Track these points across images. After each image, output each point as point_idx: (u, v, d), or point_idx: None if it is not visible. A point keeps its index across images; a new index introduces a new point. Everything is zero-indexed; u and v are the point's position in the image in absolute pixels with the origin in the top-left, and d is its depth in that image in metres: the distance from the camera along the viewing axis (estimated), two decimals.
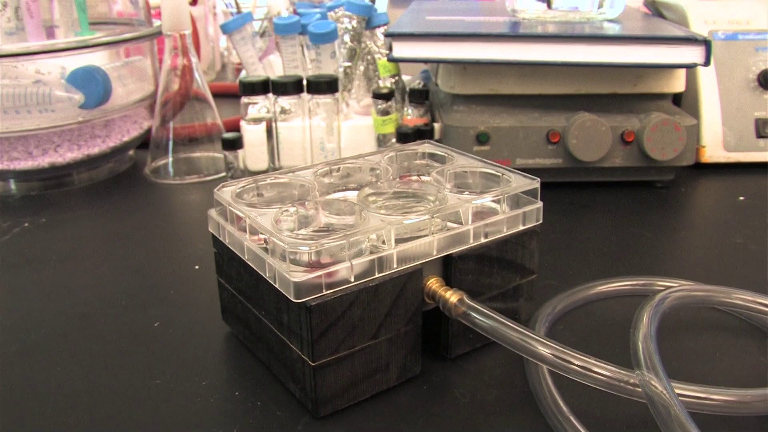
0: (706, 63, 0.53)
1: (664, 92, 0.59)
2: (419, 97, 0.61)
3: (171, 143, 0.65)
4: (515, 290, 0.37)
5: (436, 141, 0.59)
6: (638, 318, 0.31)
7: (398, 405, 0.33)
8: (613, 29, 0.57)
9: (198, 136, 0.66)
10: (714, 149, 0.62)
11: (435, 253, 0.33)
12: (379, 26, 0.65)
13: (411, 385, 0.34)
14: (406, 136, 0.57)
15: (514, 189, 0.36)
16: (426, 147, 0.43)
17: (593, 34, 0.54)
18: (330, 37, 0.59)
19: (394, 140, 0.62)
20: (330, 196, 0.37)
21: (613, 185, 0.59)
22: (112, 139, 0.64)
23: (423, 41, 0.56)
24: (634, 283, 0.41)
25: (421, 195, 0.36)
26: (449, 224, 0.34)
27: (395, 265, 0.31)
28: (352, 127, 0.63)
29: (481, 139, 0.56)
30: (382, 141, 0.62)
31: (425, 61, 0.63)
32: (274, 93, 0.55)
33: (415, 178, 0.41)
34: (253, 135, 0.60)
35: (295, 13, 0.69)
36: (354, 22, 0.63)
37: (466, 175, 0.39)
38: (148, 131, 0.68)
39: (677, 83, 0.58)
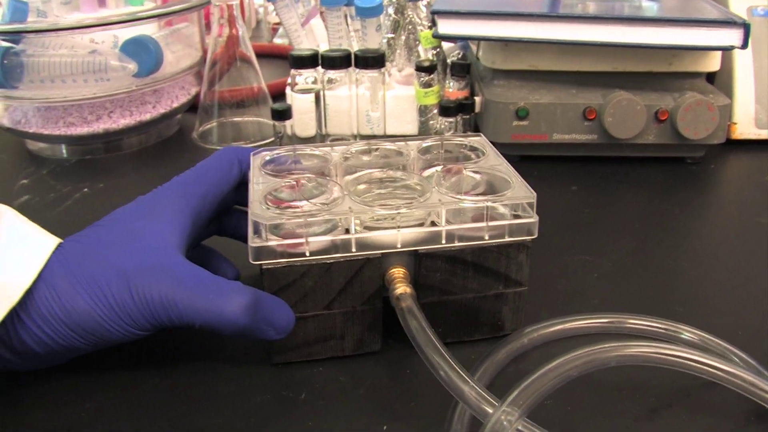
0: (744, 46, 0.55)
1: (699, 71, 0.60)
2: (461, 70, 0.63)
3: (217, 108, 0.68)
4: (497, 298, 0.38)
5: (476, 114, 0.62)
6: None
7: (347, 368, 0.37)
8: (650, 10, 0.59)
9: (244, 99, 0.69)
10: (745, 126, 0.64)
11: (399, 246, 0.35)
12: None
13: (368, 358, 0.38)
14: (448, 109, 0.59)
15: (507, 199, 0.37)
16: (472, 139, 0.45)
17: (631, 15, 0.56)
18: (376, 11, 0.61)
19: (435, 111, 0.64)
20: (356, 174, 0.41)
21: (645, 160, 0.61)
22: (162, 105, 0.67)
23: (467, 19, 0.57)
24: (605, 321, 0.39)
25: (416, 190, 0.39)
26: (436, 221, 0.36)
27: (354, 250, 0.35)
28: (395, 97, 0.65)
29: (521, 114, 0.59)
30: (423, 111, 0.65)
31: (469, 39, 0.64)
32: (323, 66, 0.58)
33: (460, 166, 0.44)
34: (301, 104, 0.62)
35: None
36: None
37: (478, 181, 0.40)
38: (196, 96, 0.70)
39: (713, 62, 0.60)
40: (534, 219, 0.37)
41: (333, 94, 0.62)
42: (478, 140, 0.45)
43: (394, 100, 0.65)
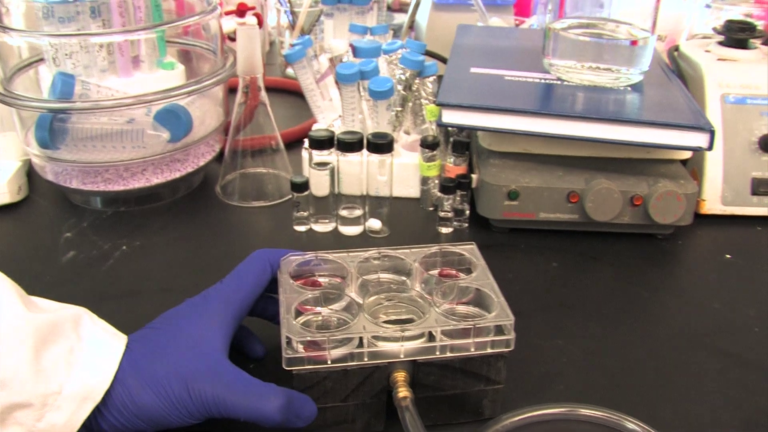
0: (710, 148, 0.62)
1: (673, 158, 0.68)
2: (461, 148, 0.70)
3: (239, 157, 0.75)
4: (479, 392, 0.46)
5: (473, 189, 0.69)
6: None
7: None
8: (632, 104, 0.66)
9: (262, 149, 0.76)
10: (713, 202, 0.72)
11: (402, 356, 0.44)
12: (428, 76, 0.73)
13: None
14: (447, 188, 0.67)
15: (491, 321, 0.45)
16: (465, 248, 0.53)
17: (613, 116, 0.63)
18: (387, 94, 0.68)
19: (437, 181, 0.72)
20: (367, 276, 0.50)
21: (620, 235, 0.69)
22: (190, 163, 0.74)
23: (468, 111, 0.65)
24: (563, 410, 0.47)
25: (418, 308, 0.47)
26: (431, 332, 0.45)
27: (366, 359, 0.43)
28: (401, 164, 0.73)
29: (512, 196, 0.66)
30: (425, 180, 0.72)
31: (470, 129, 0.71)
32: (338, 149, 0.65)
33: (454, 272, 0.52)
34: (318, 178, 0.69)
35: (353, 50, 0.77)
36: (407, 74, 0.71)
37: (467, 289, 0.49)
38: (221, 152, 0.78)
39: (685, 153, 0.67)
40: (511, 336, 0.45)
41: (346, 160, 0.69)
42: (470, 249, 0.52)
43: (400, 167, 0.73)
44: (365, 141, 0.65)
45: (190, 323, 0.44)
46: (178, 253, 0.67)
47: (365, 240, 0.70)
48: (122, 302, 0.59)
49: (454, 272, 0.52)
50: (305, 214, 0.70)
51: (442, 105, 0.65)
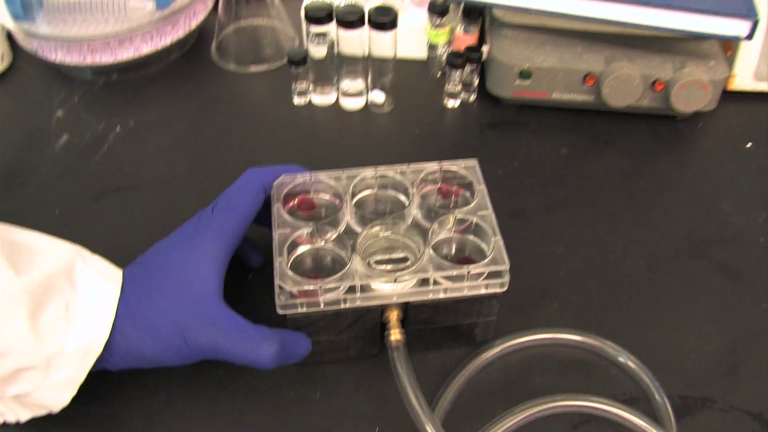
0: (749, 37, 0.56)
1: None
2: (474, 15, 0.63)
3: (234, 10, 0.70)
4: (471, 324, 0.47)
5: (484, 62, 0.64)
6: None
7: (351, 369, 0.48)
8: None
9: None
10: (744, 78, 0.66)
11: (395, 299, 0.44)
12: None
13: (368, 360, 0.48)
14: (455, 63, 0.62)
15: (485, 266, 0.44)
16: (467, 165, 0.50)
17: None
18: None
19: (444, 49, 0.66)
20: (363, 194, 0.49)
21: (636, 115, 0.65)
22: (182, 26, 0.69)
23: None
24: (550, 336, 0.49)
25: (413, 241, 0.46)
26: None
27: (359, 303, 0.44)
28: (408, 28, 0.67)
29: (524, 75, 0.62)
30: (433, 47, 0.67)
31: (485, 5, 0.64)
32: (337, 24, 0.59)
33: (454, 188, 0.50)
34: (317, 48, 0.64)
35: None
36: None
37: (465, 219, 0.47)
38: (214, 8, 0.71)
39: None
40: (506, 279, 0.45)
41: (346, 35, 0.63)
42: (472, 167, 0.50)
43: (407, 30, 0.67)
44: (366, 16, 0.59)
45: (183, 263, 0.44)
46: (174, 134, 0.65)
47: (367, 115, 0.67)
48: (120, 197, 0.59)
49: (454, 188, 0.51)
50: (305, 85, 0.66)
51: None
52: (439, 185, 0.51)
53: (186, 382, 0.47)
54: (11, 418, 0.42)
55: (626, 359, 0.47)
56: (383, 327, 0.46)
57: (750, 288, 0.52)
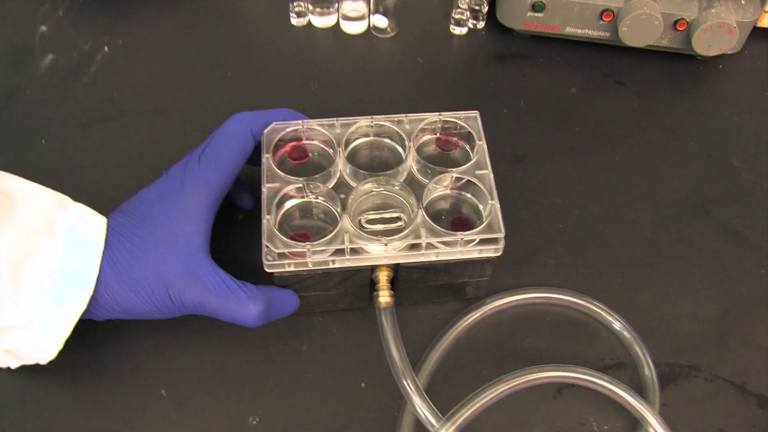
0: None
1: None
2: None
3: None
4: (462, 283, 0.46)
5: None
6: None
7: (339, 321, 0.48)
8: None
9: None
10: None
11: (385, 261, 0.43)
12: None
13: (356, 311, 0.48)
14: None
15: (479, 234, 0.42)
16: (468, 116, 0.47)
17: None
18: None
19: None
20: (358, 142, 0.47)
21: (653, 52, 0.61)
22: None
23: None
24: (542, 295, 0.48)
25: (406, 200, 0.45)
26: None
27: (347, 264, 0.43)
28: None
29: (537, 8, 0.57)
30: None
31: None
32: None
33: (454, 139, 0.48)
34: None
35: None
36: None
37: (461, 179, 0.45)
38: None
39: None
40: (500, 245, 0.43)
41: None
42: (473, 119, 0.47)
43: None
44: None
45: (169, 216, 0.43)
46: (164, 57, 0.61)
47: (369, 41, 0.63)
48: (109, 126, 0.56)
49: (454, 139, 0.48)
50: (303, 4, 0.62)
51: None
52: (437, 135, 0.48)
53: (174, 330, 0.47)
54: (1, 364, 0.43)
55: (617, 324, 0.47)
56: (373, 283, 0.45)
57: (751, 252, 0.51)
